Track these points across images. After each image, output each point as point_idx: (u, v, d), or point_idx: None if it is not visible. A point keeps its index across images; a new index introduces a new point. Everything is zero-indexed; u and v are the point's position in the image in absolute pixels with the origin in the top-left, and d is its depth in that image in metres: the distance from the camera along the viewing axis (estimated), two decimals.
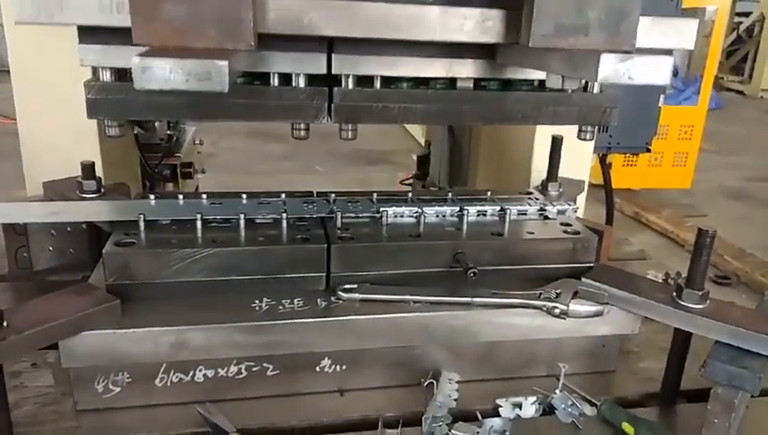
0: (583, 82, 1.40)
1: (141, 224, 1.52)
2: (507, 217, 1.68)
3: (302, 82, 1.29)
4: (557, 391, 1.45)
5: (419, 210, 1.67)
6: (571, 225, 1.70)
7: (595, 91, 1.42)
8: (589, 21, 1.09)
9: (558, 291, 1.48)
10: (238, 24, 1.00)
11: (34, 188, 1.86)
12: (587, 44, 1.10)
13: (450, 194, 1.80)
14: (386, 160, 7.00)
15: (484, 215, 1.73)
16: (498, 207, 1.74)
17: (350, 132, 1.34)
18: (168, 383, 1.41)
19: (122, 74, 1.24)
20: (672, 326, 1.48)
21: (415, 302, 1.47)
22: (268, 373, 1.45)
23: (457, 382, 1.49)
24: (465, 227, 1.65)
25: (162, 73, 0.92)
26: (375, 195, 1.76)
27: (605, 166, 2.95)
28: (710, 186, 7.10)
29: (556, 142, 2.01)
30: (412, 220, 1.68)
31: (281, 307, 1.43)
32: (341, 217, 1.63)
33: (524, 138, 2.20)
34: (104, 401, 1.40)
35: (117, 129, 1.30)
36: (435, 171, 3.48)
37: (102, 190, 1.78)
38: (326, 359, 1.47)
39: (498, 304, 1.47)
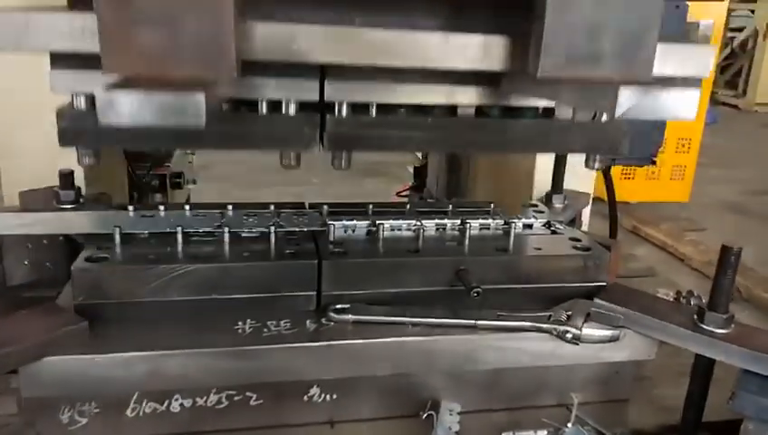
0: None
1: (117, 237, 1.41)
2: (512, 231, 1.56)
3: (292, 110, 1.19)
4: (569, 425, 1.33)
5: (418, 223, 1.55)
6: (580, 240, 1.59)
7: (603, 119, 1.31)
8: (602, 50, 0.99)
9: (569, 313, 1.37)
10: (219, 51, 0.89)
11: (13, 200, 1.75)
12: (601, 75, 1.00)
13: (451, 206, 1.69)
14: (382, 172, 6.94)
15: (487, 229, 1.62)
16: (502, 221, 1.62)
17: (343, 161, 1.23)
18: (141, 414, 1.30)
19: None
20: (691, 351, 1.36)
21: (413, 324, 1.36)
22: (251, 403, 1.33)
23: (459, 413, 1.37)
24: (467, 241, 1.54)
25: (129, 108, 0.83)
26: (371, 206, 1.64)
27: (609, 178, 2.85)
28: (708, 199, 7.05)
29: (560, 155, 1.92)
30: (410, 234, 1.57)
31: (266, 330, 1.32)
32: (334, 231, 1.51)
33: None
34: (70, 434, 1.27)
35: (92, 158, 1.20)
36: (432, 182, 3.39)
37: (82, 201, 1.67)
38: (315, 387, 1.36)
39: (504, 328, 1.35)
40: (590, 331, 1.33)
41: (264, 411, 1.34)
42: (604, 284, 1.51)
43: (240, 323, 1.33)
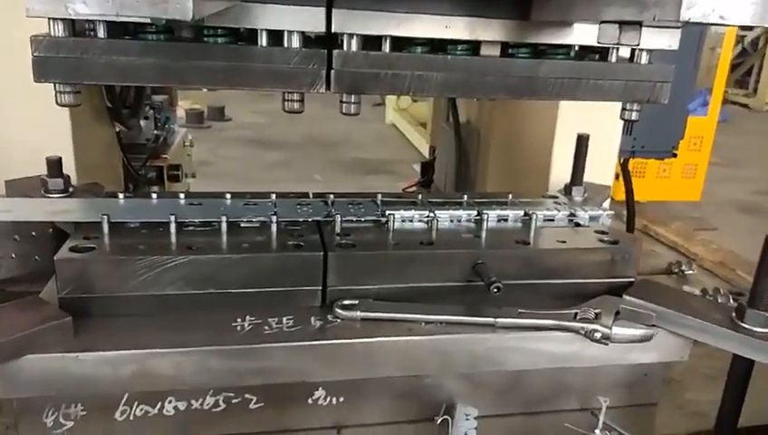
0: (629, 49, 1.19)
1: (105, 226, 1.31)
2: (533, 222, 1.45)
3: (295, 43, 1.08)
4: (597, 431, 1.22)
5: (431, 214, 1.45)
6: (606, 233, 1.48)
7: (643, 61, 1.22)
8: None
9: (597, 311, 1.26)
10: None
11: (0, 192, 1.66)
12: None
13: (466, 196, 1.58)
14: (386, 170, 6.92)
15: (506, 220, 1.51)
16: (521, 212, 1.51)
17: (352, 106, 1.12)
18: (131, 417, 1.21)
19: (78, 29, 1.04)
20: (724, 353, 1.26)
21: (427, 322, 1.26)
22: (251, 406, 1.24)
23: (476, 418, 1.27)
24: (484, 233, 1.43)
25: None
26: (380, 196, 1.54)
27: (627, 171, 2.77)
28: (719, 199, 6.97)
29: (582, 141, 1.82)
30: (423, 226, 1.46)
31: (267, 327, 1.22)
32: (341, 221, 1.40)
33: (542, 138, 2.01)
34: None
35: (71, 96, 1.08)
36: (440, 178, 3.29)
37: (71, 190, 1.58)
38: (320, 389, 1.27)
39: (527, 326, 1.25)
40: (620, 330, 1.22)
41: (265, 415, 1.25)
42: (632, 279, 1.40)
43: (239, 319, 1.23)
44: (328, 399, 1.27)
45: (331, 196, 1.54)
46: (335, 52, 1.09)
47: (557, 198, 1.73)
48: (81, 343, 1.13)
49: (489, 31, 1.13)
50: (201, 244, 1.30)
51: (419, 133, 7.44)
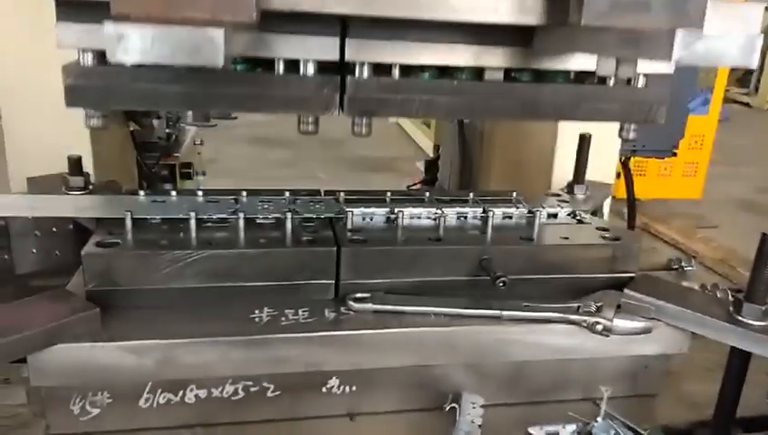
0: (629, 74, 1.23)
1: (128, 222, 1.36)
2: (537, 220, 1.50)
3: (311, 70, 1.12)
4: (598, 419, 1.27)
5: (439, 211, 1.50)
6: (608, 229, 1.53)
7: (640, 85, 1.25)
8: None
9: (599, 304, 1.31)
10: None
11: (19, 189, 1.71)
12: (650, 23, 0.93)
13: (472, 195, 1.63)
14: (390, 168, 6.92)
15: (510, 218, 1.56)
16: (526, 210, 1.56)
17: (363, 128, 1.17)
18: (155, 405, 1.25)
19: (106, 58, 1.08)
20: (722, 346, 1.30)
21: (436, 314, 1.31)
22: (268, 394, 1.28)
23: (482, 407, 1.31)
24: (489, 230, 1.48)
25: (142, 44, 0.78)
26: (389, 194, 1.59)
27: (628, 169, 2.79)
28: (720, 196, 6.98)
29: (584, 141, 1.87)
30: (431, 222, 1.51)
31: (283, 319, 1.27)
32: (352, 218, 1.46)
33: (544, 138, 2.05)
34: (81, 425, 1.23)
35: (100, 119, 1.13)
36: (444, 177, 3.32)
37: (90, 187, 1.63)
38: (334, 378, 1.30)
39: (531, 319, 1.30)
40: (621, 322, 1.27)
41: (282, 403, 1.29)
42: (633, 275, 1.45)
43: (257, 311, 1.28)
44: (341, 388, 1.31)
45: (342, 194, 1.59)
46: (348, 78, 1.13)
47: (560, 195, 1.78)
48: (108, 334, 1.18)
49: (493, 57, 1.17)
50: (219, 239, 1.35)
51: (423, 132, 7.45)
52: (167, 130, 3.06)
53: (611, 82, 1.21)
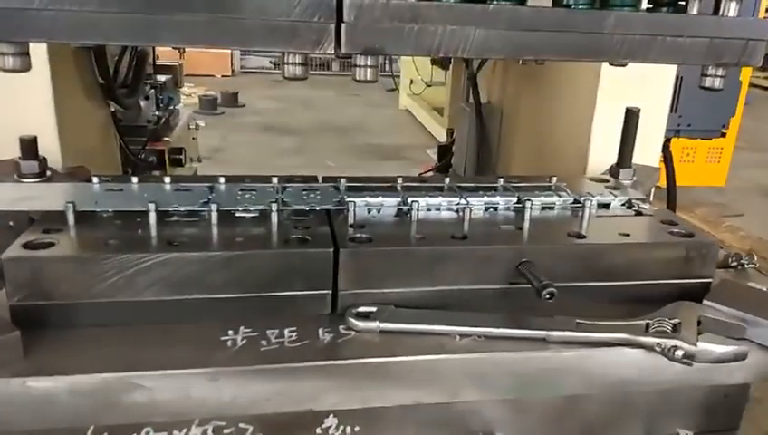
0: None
1: (70, 216, 1.09)
2: (587, 211, 1.21)
3: None
4: None
5: (463, 201, 1.21)
6: (675, 223, 1.23)
7: (731, 14, 1.01)
8: None
9: (674, 321, 1.01)
10: None
11: None
12: None
13: (501, 180, 1.34)
14: (401, 156, 6.82)
15: (552, 208, 1.27)
16: (571, 199, 1.27)
17: (368, 70, 0.89)
18: None
19: None
20: None
21: (461, 335, 1.04)
22: None
23: None
24: (527, 225, 1.19)
25: None
26: (400, 180, 1.30)
27: (668, 152, 2.54)
28: (745, 183, 6.73)
29: (631, 116, 1.59)
30: (452, 215, 1.23)
31: (264, 342, 1.01)
32: (355, 211, 1.17)
33: (580, 115, 1.79)
34: None
35: (16, 58, 0.88)
36: (459, 163, 3.09)
37: (49, 174, 1.39)
38: (331, 417, 1.07)
39: (587, 341, 1.00)
40: (707, 346, 0.97)
41: None
42: (710, 280, 1.16)
43: (230, 332, 1.02)
44: (341, 428, 1.06)
45: (344, 180, 1.31)
46: (346, 1, 0.87)
47: (608, 181, 1.48)
48: (34, 365, 0.92)
49: None
50: (185, 238, 1.08)
51: (434, 118, 7.35)
52: (156, 113, 2.83)
53: (694, 10, 1.00)
